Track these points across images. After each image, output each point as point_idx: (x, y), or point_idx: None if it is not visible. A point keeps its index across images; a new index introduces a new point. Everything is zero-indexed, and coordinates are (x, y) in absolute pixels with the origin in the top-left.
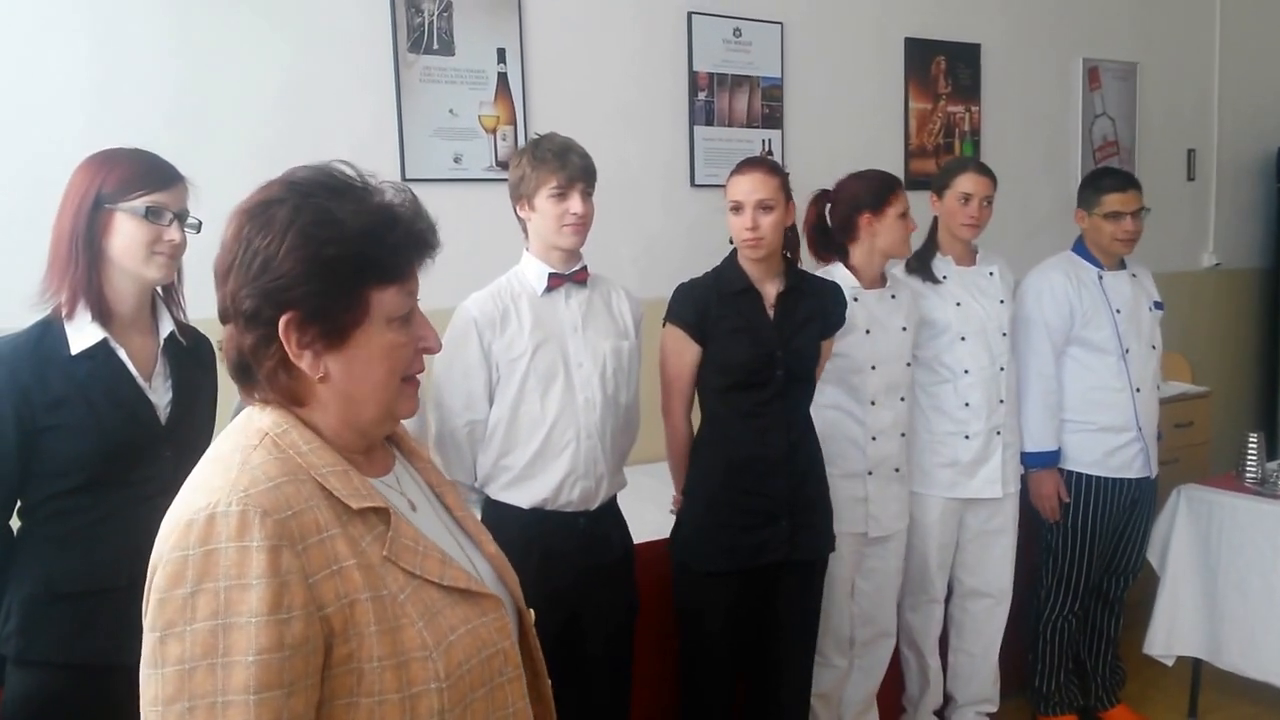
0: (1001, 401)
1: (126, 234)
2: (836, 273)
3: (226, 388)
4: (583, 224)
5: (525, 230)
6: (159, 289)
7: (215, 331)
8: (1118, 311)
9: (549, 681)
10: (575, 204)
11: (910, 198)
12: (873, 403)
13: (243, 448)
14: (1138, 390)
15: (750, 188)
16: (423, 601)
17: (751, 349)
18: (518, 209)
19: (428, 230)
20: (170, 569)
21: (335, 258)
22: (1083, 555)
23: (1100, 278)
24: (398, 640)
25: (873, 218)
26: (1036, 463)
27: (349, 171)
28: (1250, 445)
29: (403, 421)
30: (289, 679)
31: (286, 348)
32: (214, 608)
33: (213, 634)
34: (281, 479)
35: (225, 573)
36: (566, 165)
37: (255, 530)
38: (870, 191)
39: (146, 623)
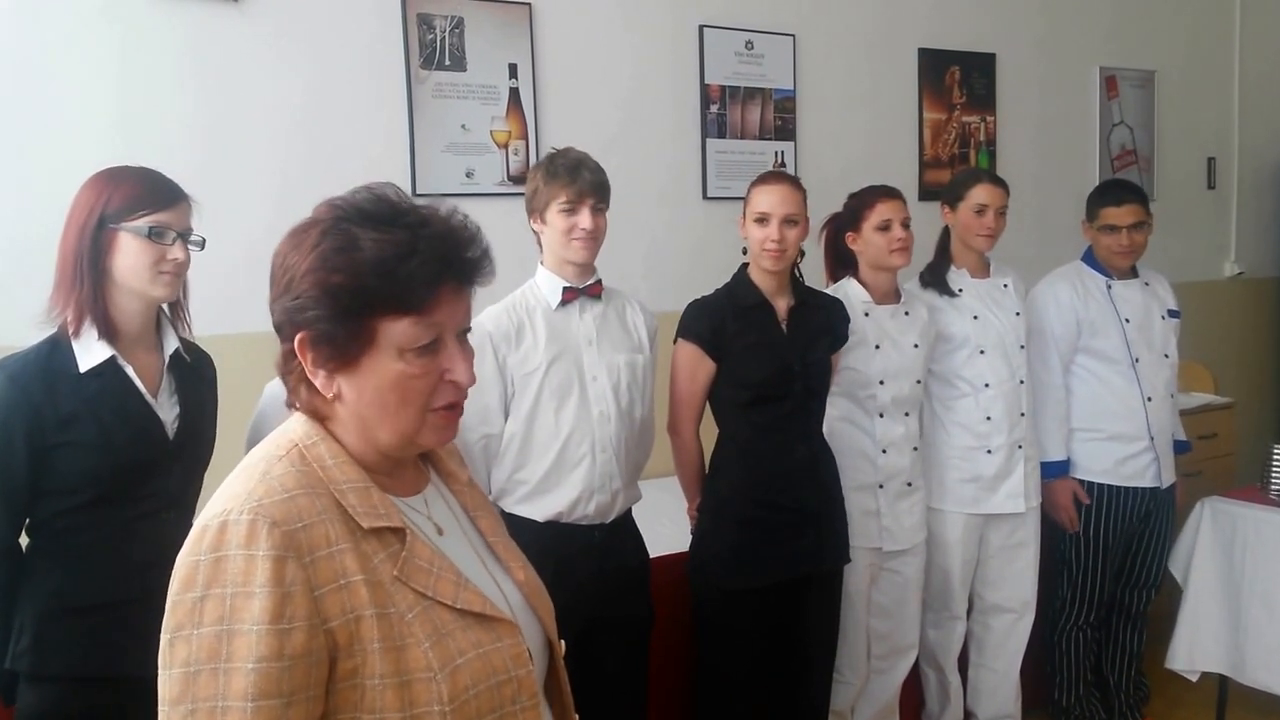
0: (1022, 414)
1: (130, 254)
2: (849, 287)
3: (227, 402)
4: (591, 239)
5: (540, 244)
6: (164, 306)
7: (218, 348)
8: (1126, 321)
9: (576, 717)
10: (584, 219)
11: (925, 210)
12: (881, 415)
13: (268, 458)
14: (1149, 399)
15: (778, 199)
16: (432, 623)
17: (770, 363)
18: (532, 222)
19: (467, 259)
20: (183, 573)
21: (341, 286)
22: (1095, 565)
23: (1109, 287)
24: (402, 659)
25: (855, 235)
26: (1049, 473)
27: (394, 196)
28: (1275, 457)
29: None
30: (288, 689)
31: (304, 364)
32: (220, 613)
33: (217, 639)
34: (297, 491)
35: (232, 579)
36: (577, 180)
37: (263, 539)
38: (848, 211)
39: (163, 625)
